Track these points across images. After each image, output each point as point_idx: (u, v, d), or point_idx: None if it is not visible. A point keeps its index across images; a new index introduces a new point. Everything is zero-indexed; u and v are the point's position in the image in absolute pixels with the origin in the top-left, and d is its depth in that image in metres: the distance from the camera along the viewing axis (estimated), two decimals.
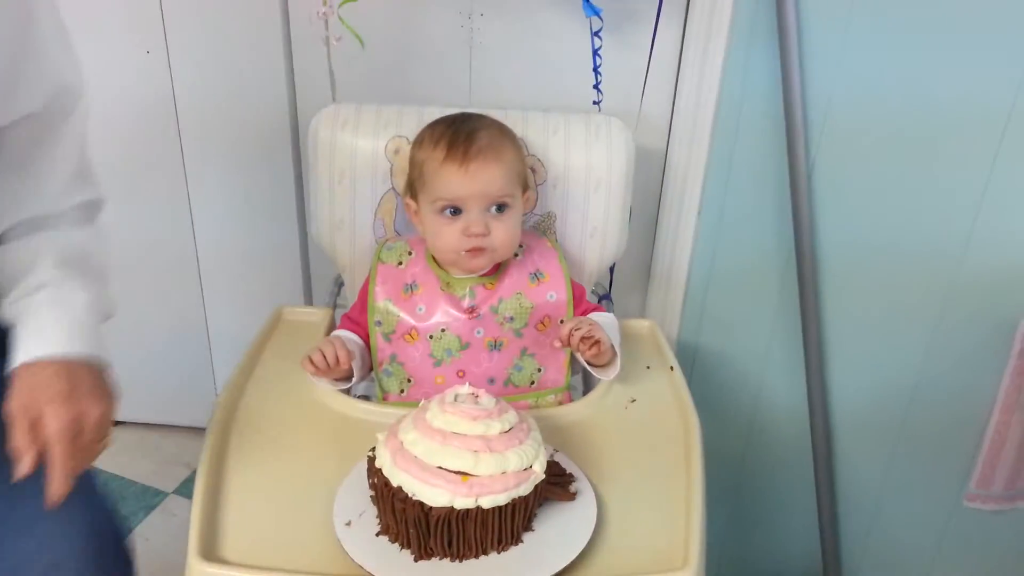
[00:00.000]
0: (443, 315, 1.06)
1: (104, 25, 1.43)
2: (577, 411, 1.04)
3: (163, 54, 1.45)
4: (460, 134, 1.03)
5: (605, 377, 1.06)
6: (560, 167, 1.17)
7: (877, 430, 1.38)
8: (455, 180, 1.02)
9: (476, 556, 0.80)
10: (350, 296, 1.23)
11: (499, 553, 0.81)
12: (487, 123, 1.07)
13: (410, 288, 1.08)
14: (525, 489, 0.80)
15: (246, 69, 1.44)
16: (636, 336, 1.20)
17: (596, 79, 1.27)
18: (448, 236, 1.03)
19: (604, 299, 1.34)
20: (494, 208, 1.03)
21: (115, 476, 1.73)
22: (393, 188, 1.17)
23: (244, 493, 0.89)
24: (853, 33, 1.16)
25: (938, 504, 1.39)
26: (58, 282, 0.81)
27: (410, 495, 0.78)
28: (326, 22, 1.19)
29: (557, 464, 0.90)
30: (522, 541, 0.83)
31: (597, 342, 0.99)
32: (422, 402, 0.86)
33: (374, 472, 0.82)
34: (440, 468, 0.78)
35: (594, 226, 1.19)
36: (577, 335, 0.99)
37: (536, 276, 1.09)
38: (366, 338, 1.08)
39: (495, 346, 1.07)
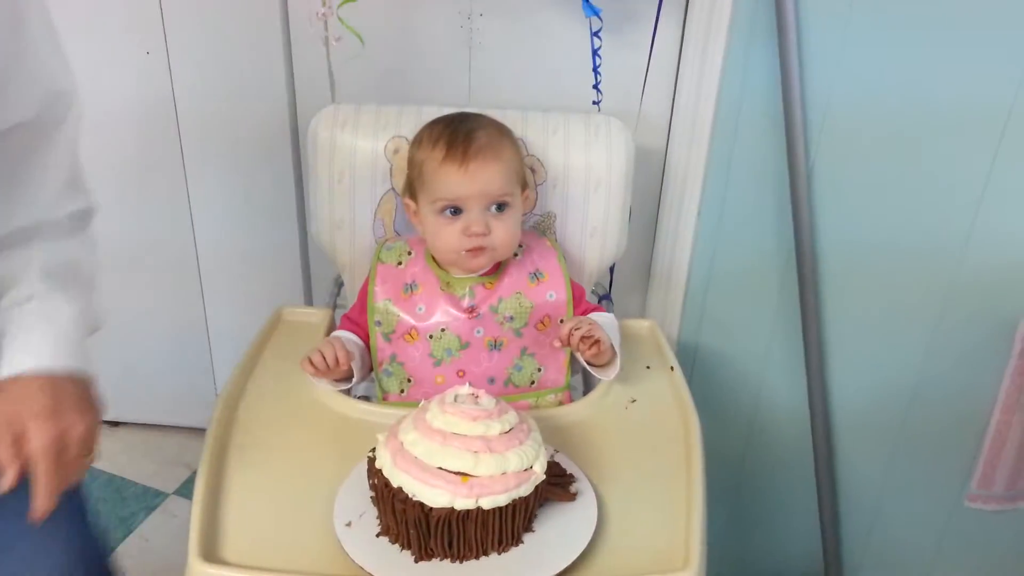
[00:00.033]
0: (443, 315, 1.06)
1: (104, 26, 1.43)
2: (577, 411, 1.04)
3: (163, 55, 1.45)
4: (459, 134, 1.03)
5: (605, 377, 1.06)
6: (560, 167, 1.17)
7: (878, 430, 1.38)
8: (455, 180, 1.02)
9: (476, 557, 0.80)
10: (350, 296, 1.23)
11: (499, 554, 0.81)
12: (485, 122, 1.07)
13: (410, 288, 1.08)
14: (525, 490, 0.80)
15: (246, 70, 1.44)
16: (636, 336, 1.20)
17: (596, 79, 1.27)
18: (448, 236, 1.03)
19: (604, 299, 1.34)
20: (494, 207, 1.03)
21: (115, 477, 1.73)
22: (393, 188, 1.17)
23: (244, 494, 0.89)
24: (853, 32, 1.16)
25: (939, 504, 1.39)
26: (45, 295, 0.80)
27: (410, 496, 0.78)
28: (325, 23, 1.19)
29: (557, 464, 0.90)
30: (522, 542, 0.82)
31: (597, 342, 0.99)
32: (422, 402, 0.86)
33: (374, 473, 0.82)
34: (440, 469, 0.78)
35: (594, 226, 1.19)
36: (577, 335, 0.99)
37: (536, 276, 1.09)
38: (366, 339, 1.08)
39: (495, 346, 1.07)
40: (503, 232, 1.04)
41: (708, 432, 1.00)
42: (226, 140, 1.51)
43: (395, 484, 0.79)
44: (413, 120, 1.14)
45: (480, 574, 0.79)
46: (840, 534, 1.46)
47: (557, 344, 1.02)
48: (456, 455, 0.78)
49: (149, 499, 1.69)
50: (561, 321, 1.07)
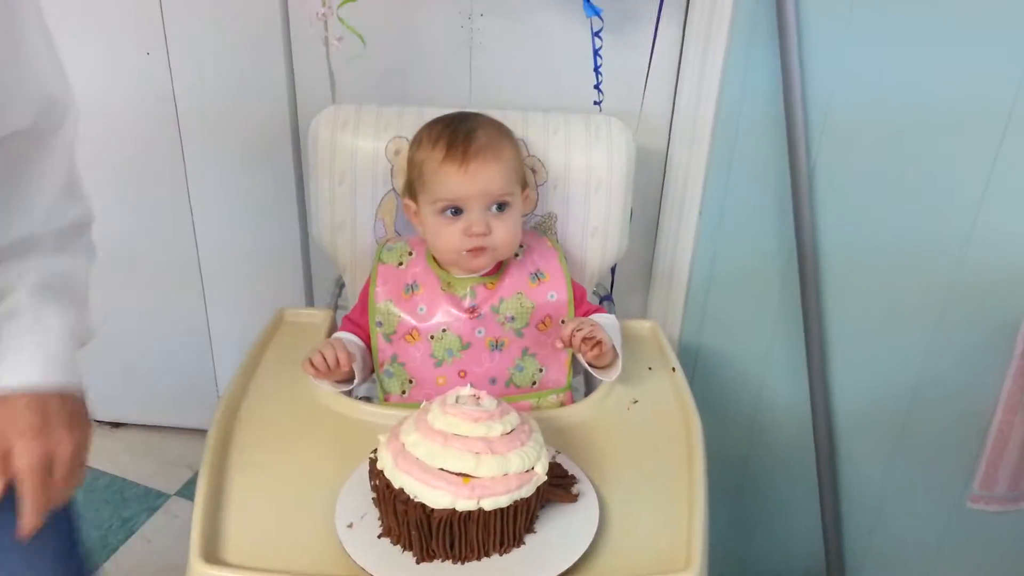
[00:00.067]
0: (444, 315, 1.06)
1: (105, 27, 1.43)
2: (579, 412, 1.03)
3: (163, 55, 1.45)
4: (458, 134, 1.03)
5: (606, 378, 1.06)
6: (561, 168, 1.17)
7: (879, 430, 1.38)
8: (455, 180, 1.02)
9: (478, 558, 0.80)
10: (351, 297, 1.23)
11: (501, 555, 0.81)
12: (484, 122, 1.07)
13: (411, 288, 1.08)
14: (527, 491, 0.80)
15: (246, 70, 1.44)
16: (638, 337, 1.20)
17: (597, 79, 1.27)
18: (449, 236, 1.03)
19: (605, 300, 1.34)
20: (494, 207, 1.03)
21: (117, 478, 1.73)
22: (394, 189, 1.17)
23: (246, 495, 0.89)
24: (853, 33, 1.15)
25: (940, 504, 1.39)
26: (36, 309, 0.78)
27: (412, 497, 0.78)
28: (325, 23, 1.19)
29: (559, 466, 0.90)
30: (524, 543, 0.82)
31: (599, 343, 0.99)
32: (423, 404, 0.86)
33: (376, 474, 0.82)
34: (442, 470, 0.78)
35: (595, 227, 1.19)
36: (579, 336, 0.99)
37: (537, 276, 1.09)
38: (367, 340, 1.08)
39: (496, 346, 1.06)
40: (504, 232, 1.04)
41: (710, 432, 1.00)
42: (227, 141, 1.51)
43: (397, 485, 0.79)
44: (414, 121, 1.14)
45: (481, 575, 0.79)
46: (842, 534, 1.46)
47: (559, 345, 1.02)
48: (458, 456, 0.78)
49: (151, 500, 1.69)
50: (562, 322, 1.07)
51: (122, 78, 1.47)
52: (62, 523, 0.84)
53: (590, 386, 1.17)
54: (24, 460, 0.71)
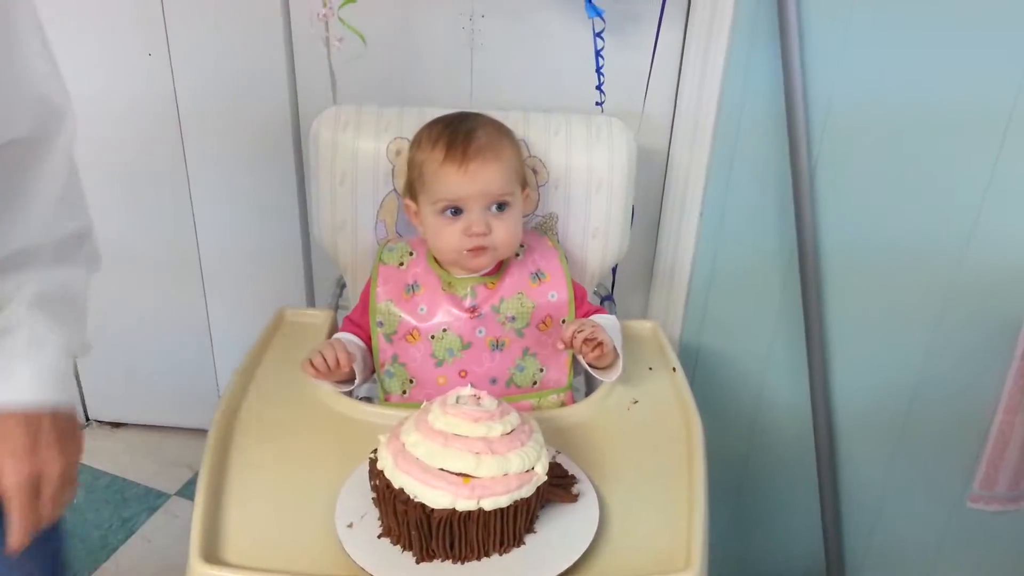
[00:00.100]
0: (445, 315, 1.06)
1: (106, 28, 1.43)
2: (579, 412, 1.03)
3: (165, 56, 1.45)
4: (458, 134, 1.03)
5: (607, 379, 1.06)
6: (562, 168, 1.17)
7: (880, 430, 1.38)
8: (455, 180, 1.02)
9: (478, 558, 0.80)
10: (352, 298, 1.23)
11: (501, 555, 0.81)
12: (484, 122, 1.07)
13: (411, 288, 1.08)
14: (527, 491, 0.80)
15: (248, 71, 1.44)
16: (638, 337, 1.20)
17: (599, 80, 1.27)
18: (449, 236, 1.03)
19: (606, 300, 1.34)
20: (494, 207, 1.03)
21: (117, 477, 1.74)
22: (395, 190, 1.17)
23: (246, 495, 0.89)
24: (854, 33, 1.15)
25: (940, 504, 1.39)
26: (32, 324, 0.76)
27: (412, 497, 0.78)
28: (326, 24, 1.19)
29: (559, 466, 0.90)
30: (524, 543, 0.82)
31: (599, 344, 0.99)
32: (424, 404, 0.86)
33: (376, 474, 0.82)
34: (442, 470, 0.78)
35: (596, 227, 1.19)
36: (580, 337, 0.99)
37: (537, 276, 1.09)
38: (368, 340, 1.08)
39: (497, 346, 1.07)
40: (504, 231, 1.04)
41: (710, 432, 1.00)
42: (228, 141, 1.51)
43: (397, 485, 0.79)
44: (415, 121, 1.14)
45: (482, 575, 0.79)
46: (842, 534, 1.46)
47: (560, 346, 1.02)
48: (458, 456, 0.78)
49: (151, 500, 1.69)
50: (563, 322, 1.07)
51: (124, 79, 1.47)
52: (50, 547, 0.84)
53: (591, 386, 1.17)
54: (11, 479, 0.71)
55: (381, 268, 1.10)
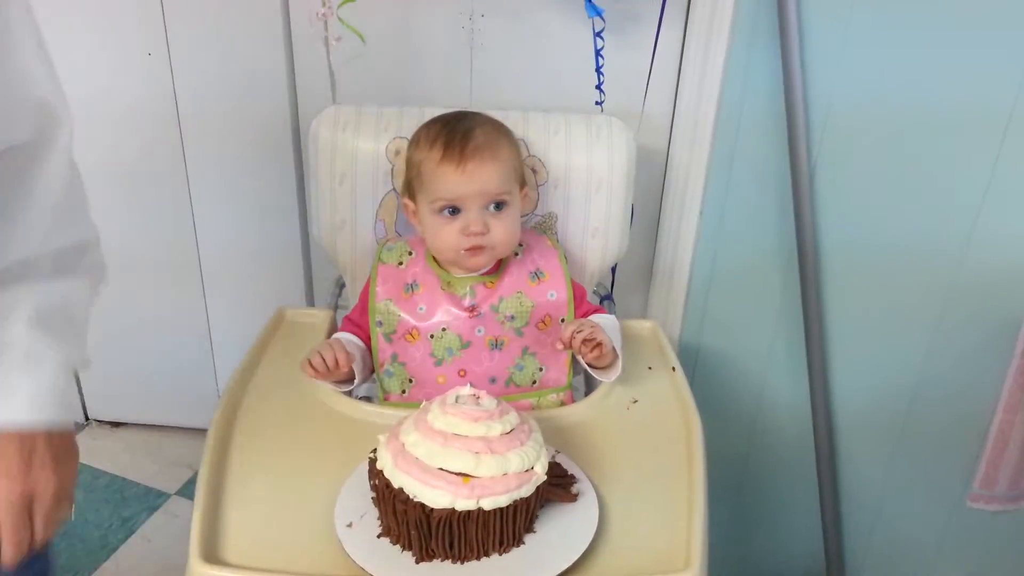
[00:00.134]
0: (444, 314, 1.06)
1: (106, 28, 1.43)
2: (579, 412, 1.03)
3: (165, 56, 1.45)
4: (456, 133, 1.03)
5: (606, 379, 1.06)
6: (561, 168, 1.17)
7: (880, 430, 1.38)
8: (452, 180, 1.02)
9: (477, 558, 0.80)
10: (351, 297, 1.23)
11: (500, 555, 0.81)
12: (482, 121, 1.07)
13: (411, 288, 1.08)
14: (527, 490, 0.80)
15: (247, 70, 1.44)
16: (638, 337, 1.20)
17: (599, 79, 1.27)
18: (447, 236, 1.03)
19: (606, 300, 1.34)
20: (492, 206, 1.03)
21: (117, 477, 1.74)
22: (394, 189, 1.17)
23: (245, 494, 0.89)
24: (854, 33, 1.15)
25: (940, 504, 1.39)
26: (31, 342, 0.75)
27: (411, 497, 0.78)
28: (325, 23, 1.19)
29: (559, 465, 0.90)
30: (523, 542, 0.82)
31: (599, 345, 0.99)
32: (423, 403, 0.86)
33: (375, 474, 0.82)
34: (441, 470, 0.78)
35: (596, 227, 1.19)
36: (579, 338, 0.99)
37: (536, 275, 1.09)
38: (367, 340, 1.08)
39: (496, 345, 1.06)
40: (502, 231, 1.04)
41: (710, 432, 1.00)
42: (228, 141, 1.51)
43: (396, 485, 0.79)
44: (414, 121, 1.14)
45: (481, 575, 0.79)
46: (842, 534, 1.46)
47: (559, 347, 1.02)
48: (457, 456, 0.78)
49: (151, 499, 1.69)
50: (562, 321, 1.07)
51: (123, 78, 1.47)
52: (34, 565, 0.82)
53: (590, 386, 1.17)
54: (3, 499, 0.71)
55: (380, 267, 1.10)
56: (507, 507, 0.79)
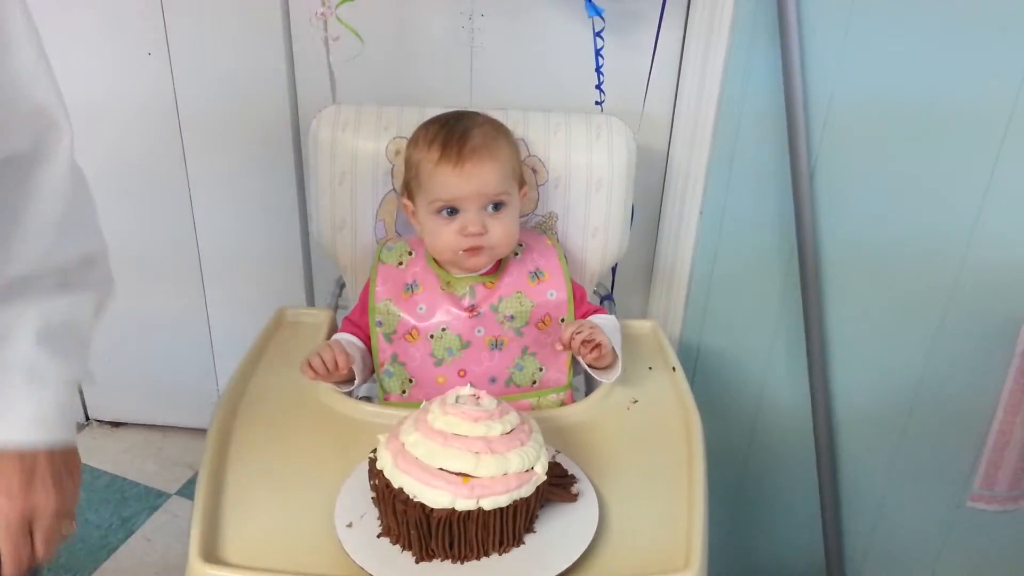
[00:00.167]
0: (444, 314, 1.06)
1: (106, 28, 1.43)
2: (579, 412, 1.03)
3: (164, 56, 1.45)
4: (454, 134, 1.03)
5: (606, 380, 1.06)
6: (561, 167, 1.17)
7: (880, 430, 1.38)
8: (451, 181, 1.01)
9: (477, 558, 0.80)
10: (352, 297, 1.23)
11: (500, 555, 0.81)
12: (480, 121, 1.06)
13: (410, 288, 1.07)
14: (527, 490, 0.80)
15: (247, 70, 1.44)
16: (638, 337, 1.20)
17: (599, 79, 1.27)
18: (446, 236, 1.03)
19: (606, 300, 1.34)
20: (491, 206, 1.03)
21: (117, 477, 1.74)
22: (394, 189, 1.17)
23: (246, 495, 0.89)
24: (854, 32, 1.15)
25: (941, 503, 1.39)
26: (34, 360, 0.73)
27: (411, 497, 0.78)
28: (325, 23, 1.19)
29: (559, 465, 0.90)
30: (524, 542, 0.82)
31: (598, 345, 0.99)
32: (423, 403, 0.86)
33: (375, 474, 0.82)
34: (441, 470, 0.78)
35: (596, 226, 1.19)
36: (578, 338, 0.99)
37: (536, 275, 1.09)
38: (367, 340, 1.08)
39: (496, 345, 1.06)
40: (500, 231, 1.04)
41: (710, 432, 1.00)
42: (228, 141, 1.51)
43: (396, 485, 0.79)
44: (414, 121, 1.14)
45: (481, 575, 0.79)
46: (842, 534, 1.46)
47: (559, 347, 1.02)
48: (457, 456, 0.78)
49: (151, 499, 1.69)
50: (562, 321, 1.07)
51: (123, 78, 1.47)
52: None
53: (590, 386, 1.17)
54: (3, 518, 0.71)
55: (380, 267, 1.10)
56: (507, 507, 0.79)
